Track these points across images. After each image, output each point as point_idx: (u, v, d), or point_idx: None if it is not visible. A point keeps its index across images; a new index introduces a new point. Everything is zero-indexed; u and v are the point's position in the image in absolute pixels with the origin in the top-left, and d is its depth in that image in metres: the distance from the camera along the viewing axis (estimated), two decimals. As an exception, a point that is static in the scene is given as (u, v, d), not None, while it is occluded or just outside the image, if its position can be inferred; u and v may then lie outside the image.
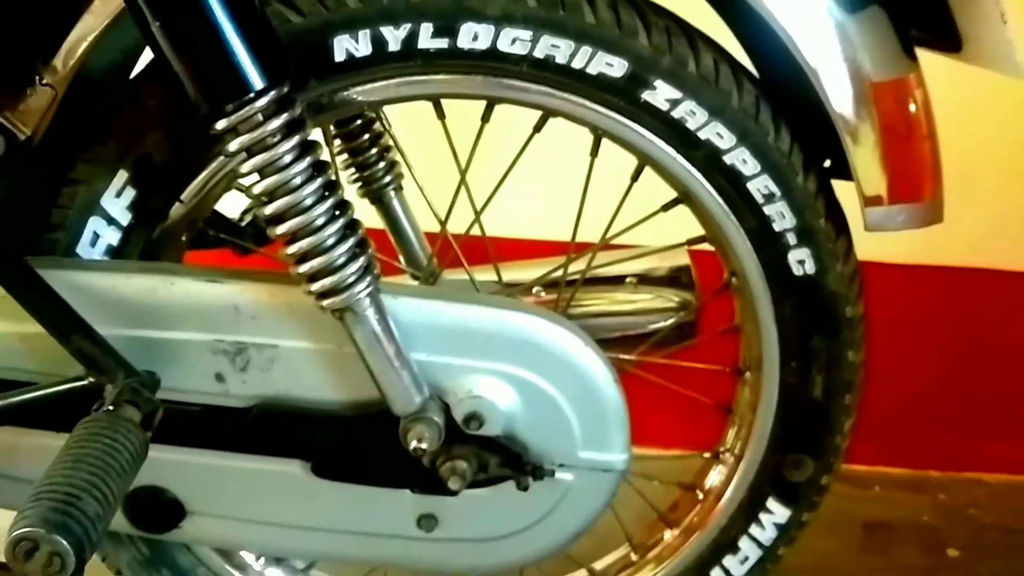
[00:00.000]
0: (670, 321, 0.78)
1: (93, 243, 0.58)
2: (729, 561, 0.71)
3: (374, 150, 0.71)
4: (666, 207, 0.64)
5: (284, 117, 0.47)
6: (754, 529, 0.70)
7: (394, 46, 0.54)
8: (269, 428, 0.57)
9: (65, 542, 0.42)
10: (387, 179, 0.72)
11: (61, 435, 0.54)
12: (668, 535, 0.74)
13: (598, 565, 0.77)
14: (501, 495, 0.60)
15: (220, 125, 0.47)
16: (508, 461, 0.58)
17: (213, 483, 0.59)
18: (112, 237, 0.58)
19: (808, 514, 0.70)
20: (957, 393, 1.25)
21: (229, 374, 0.56)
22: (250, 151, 0.48)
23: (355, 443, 0.58)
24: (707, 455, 0.72)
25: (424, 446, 0.55)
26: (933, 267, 1.19)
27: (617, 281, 0.81)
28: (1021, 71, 0.51)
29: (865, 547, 1.10)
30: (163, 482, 0.58)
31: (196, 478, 0.59)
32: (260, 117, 0.47)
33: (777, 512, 0.69)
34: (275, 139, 0.47)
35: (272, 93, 0.47)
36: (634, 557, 0.76)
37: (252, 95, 0.46)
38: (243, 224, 0.72)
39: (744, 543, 0.70)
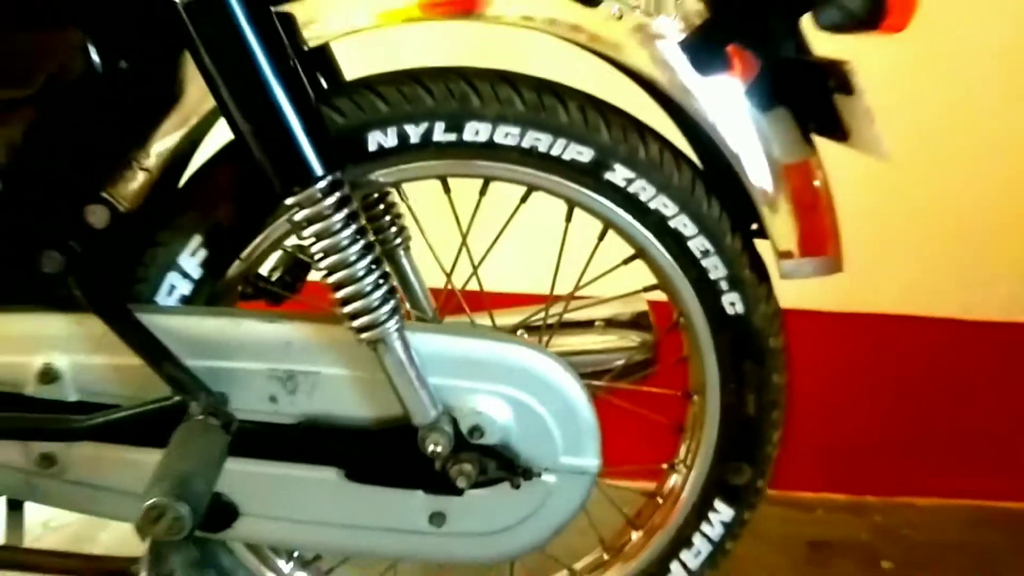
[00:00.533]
0: (633, 357, 0.94)
1: (169, 293, 0.72)
2: (685, 555, 0.85)
3: (388, 217, 0.86)
4: (626, 261, 0.80)
5: (336, 196, 0.63)
6: (705, 527, 0.84)
7: (415, 139, 0.70)
8: (311, 441, 0.71)
9: (183, 510, 0.55)
10: (398, 240, 0.88)
11: (145, 450, 0.68)
12: (635, 536, 0.88)
13: (577, 565, 0.91)
14: (498, 495, 0.74)
15: (289, 201, 0.62)
16: (504, 465, 0.72)
17: (263, 488, 0.72)
18: (185, 288, 0.72)
19: (748, 513, 0.84)
20: (891, 428, 1.41)
21: (280, 396, 0.70)
22: (310, 221, 0.63)
23: (381, 452, 0.72)
24: (665, 466, 0.87)
25: (439, 450, 0.69)
26: (868, 315, 1.36)
27: (588, 325, 0.96)
28: (887, 156, 0.68)
29: (809, 562, 1.24)
30: (221, 487, 0.72)
31: (249, 483, 0.72)
32: (319, 195, 0.62)
33: (723, 512, 0.83)
34: (329, 212, 0.63)
35: (329, 178, 0.62)
36: (606, 557, 0.89)
37: (314, 179, 0.62)
38: (273, 279, 0.87)
39: (697, 539, 0.84)
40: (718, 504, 0.83)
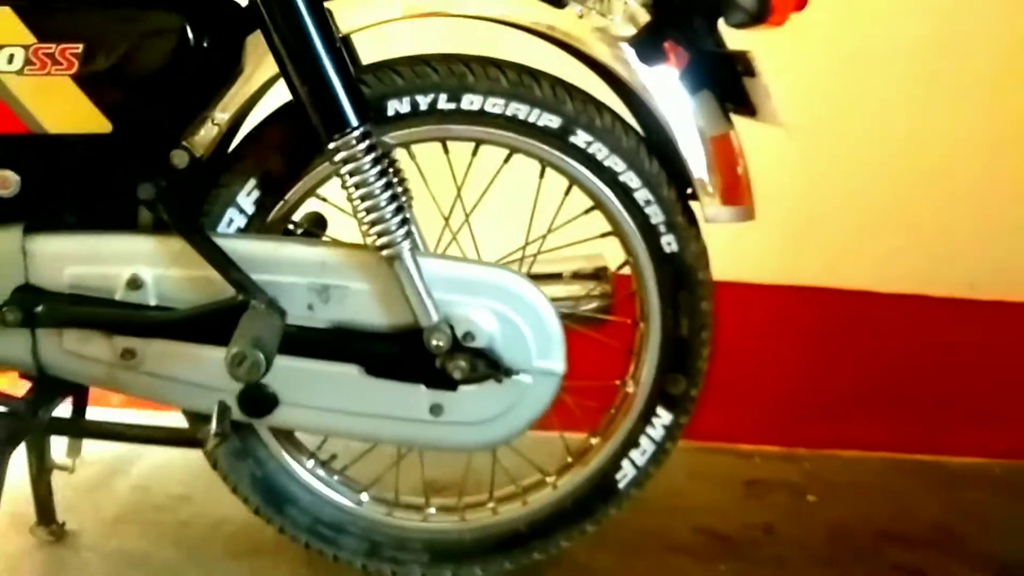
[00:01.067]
0: (593, 303, 1.15)
1: (228, 225, 0.92)
2: (634, 454, 1.05)
3: (396, 178, 1.06)
4: (587, 211, 1.01)
5: (367, 142, 0.83)
6: (649, 430, 1.04)
7: (423, 107, 0.91)
8: (339, 342, 0.90)
9: (259, 356, 0.75)
10: (404, 197, 1.07)
11: (208, 347, 0.87)
12: (594, 441, 1.08)
13: (549, 468, 1.10)
14: (484, 390, 0.93)
15: (332, 145, 0.83)
16: (490, 364, 0.92)
17: (299, 381, 0.91)
18: (241, 222, 0.92)
19: (684, 417, 1.04)
20: (819, 389, 1.62)
21: (316, 305, 0.89)
22: (346, 161, 0.83)
23: (394, 352, 0.91)
24: (618, 382, 1.07)
25: (440, 344, 0.88)
26: (799, 287, 1.57)
27: (557, 276, 1.17)
28: (784, 125, 0.90)
29: (746, 495, 1.44)
30: (266, 380, 0.90)
31: (288, 377, 0.90)
32: (354, 141, 0.83)
33: (664, 416, 1.04)
34: (361, 154, 0.83)
35: (362, 128, 0.83)
36: (570, 460, 1.09)
37: (352, 128, 0.82)
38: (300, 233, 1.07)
39: (643, 440, 1.04)
40: (660, 411, 1.03)
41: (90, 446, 1.29)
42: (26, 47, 0.82)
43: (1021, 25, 1.51)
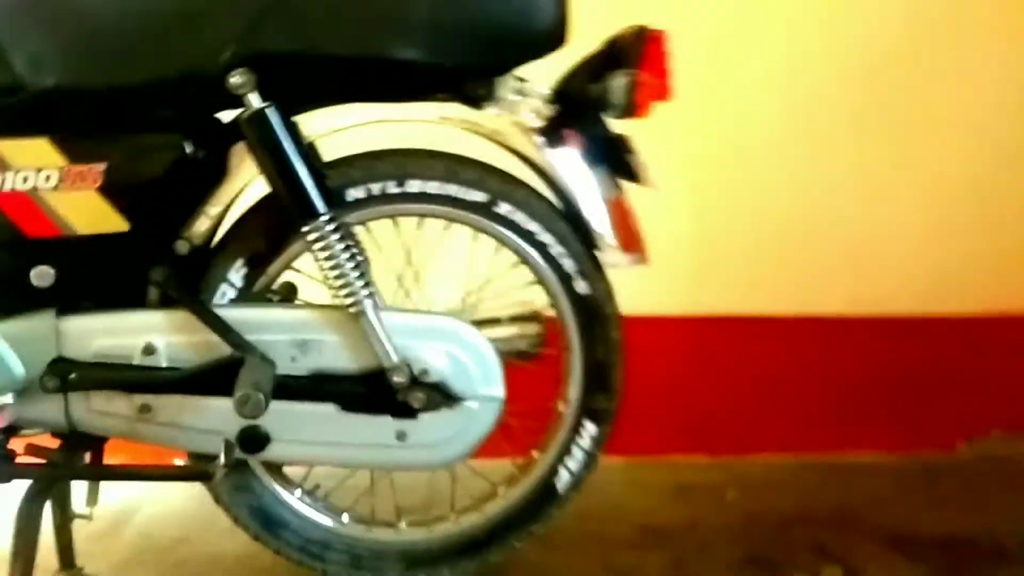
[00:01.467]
0: (529, 341, 1.37)
1: (222, 297, 1.13)
2: (569, 462, 1.26)
3: (353, 242, 1.28)
4: (514, 265, 1.23)
5: (334, 225, 1.05)
6: (579, 440, 1.26)
7: (376, 192, 1.14)
8: (318, 385, 1.11)
9: (261, 397, 0.95)
10: (361, 258, 1.29)
11: (213, 398, 1.07)
12: (536, 454, 1.29)
13: (497, 479, 1.31)
14: (439, 417, 1.14)
15: (305, 229, 1.05)
16: (442, 395, 1.13)
17: (286, 420, 1.11)
18: (231, 294, 1.13)
19: (607, 428, 1.26)
20: (731, 403, 1.86)
21: (298, 356, 1.10)
22: (318, 240, 1.05)
23: (363, 391, 1.12)
24: (553, 404, 1.29)
25: (401, 380, 1.10)
26: (704, 317, 1.83)
27: (496, 321, 1.39)
28: (655, 186, 1.15)
29: (675, 497, 1.67)
30: (259, 421, 1.10)
31: (277, 418, 1.10)
32: (323, 224, 1.05)
33: (590, 429, 1.25)
34: (329, 234, 1.05)
35: (329, 214, 1.05)
36: (516, 471, 1.30)
37: (321, 215, 1.04)
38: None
39: (575, 450, 1.26)
40: (587, 424, 1.25)
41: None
42: (60, 168, 1.03)
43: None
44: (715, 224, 1.79)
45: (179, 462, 1.24)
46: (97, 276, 1.08)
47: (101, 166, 1.03)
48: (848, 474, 1.76)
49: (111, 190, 1.04)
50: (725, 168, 1.78)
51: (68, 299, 1.07)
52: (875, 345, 1.83)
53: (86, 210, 1.04)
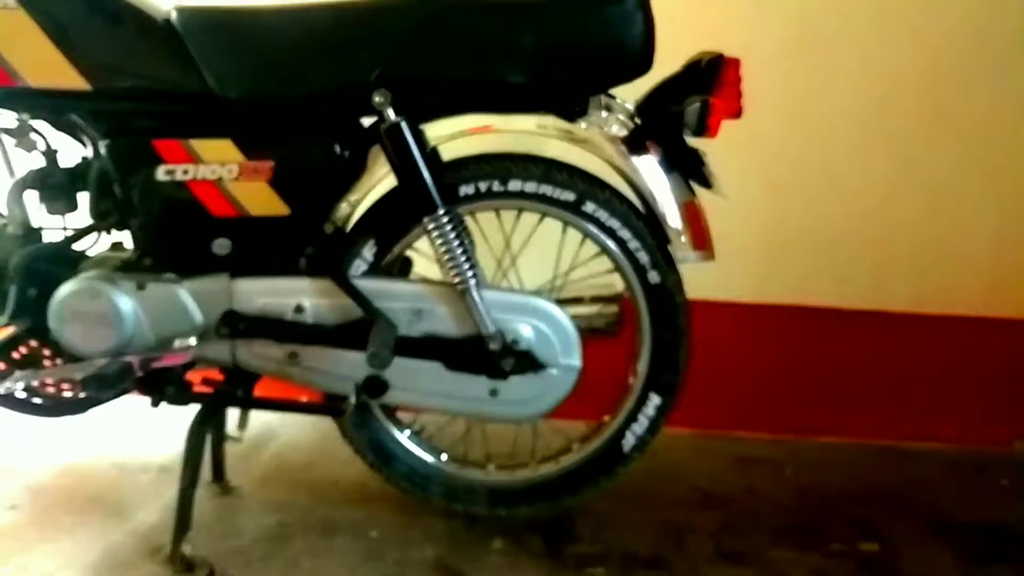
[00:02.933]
0: (607, 320, 1.58)
1: (357, 270, 1.39)
2: (634, 427, 1.47)
3: (463, 230, 1.51)
4: (595, 256, 1.44)
5: (449, 217, 1.29)
6: (645, 409, 1.46)
7: (483, 189, 1.37)
8: (429, 346, 1.35)
9: (387, 352, 1.22)
10: (468, 243, 1.53)
11: (346, 351, 1.33)
12: (606, 418, 1.51)
13: (572, 437, 1.53)
14: (526, 379, 1.37)
15: (426, 220, 1.29)
16: (530, 360, 1.36)
17: (403, 372, 1.36)
18: (363, 267, 1.39)
19: (670, 400, 1.46)
20: (798, 389, 2.01)
21: (414, 321, 1.35)
22: (436, 230, 1.29)
23: (465, 352, 1.36)
24: (624, 375, 1.50)
25: (496, 347, 1.33)
26: (772, 305, 1.99)
27: (579, 300, 1.60)
28: (725, 193, 1.33)
29: (735, 467, 1.85)
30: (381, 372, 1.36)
31: (396, 370, 1.35)
32: (442, 217, 1.28)
33: (655, 400, 1.46)
34: (445, 226, 1.29)
35: (445, 208, 1.29)
36: (588, 432, 1.52)
37: (440, 209, 1.28)
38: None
39: (641, 417, 1.47)
40: (652, 395, 1.46)
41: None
42: (239, 164, 1.30)
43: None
44: (788, 221, 1.94)
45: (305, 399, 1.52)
46: (263, 248, 1.35)
47: (271, 162, 1.30)
48: (901, 460, 1.89)
49: (277, 182, 1.31)
50: (800, 167, 1.92)
51: (240, 265, 1.36)
52: (937, 342, 1.94)
53: (257, 197, 1.31)
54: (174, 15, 1.27)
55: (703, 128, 1.26)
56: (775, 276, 1.97)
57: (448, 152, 1.41)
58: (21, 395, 1.40)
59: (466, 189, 1.38)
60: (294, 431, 1.92)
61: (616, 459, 1.48)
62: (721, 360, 1.91)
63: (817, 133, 1.89)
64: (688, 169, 1.36)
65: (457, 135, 1.34)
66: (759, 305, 1.99)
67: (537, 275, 1.52)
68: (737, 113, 1.29)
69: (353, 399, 1.32)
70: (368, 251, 1.39)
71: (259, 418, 1.93)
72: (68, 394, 1.41)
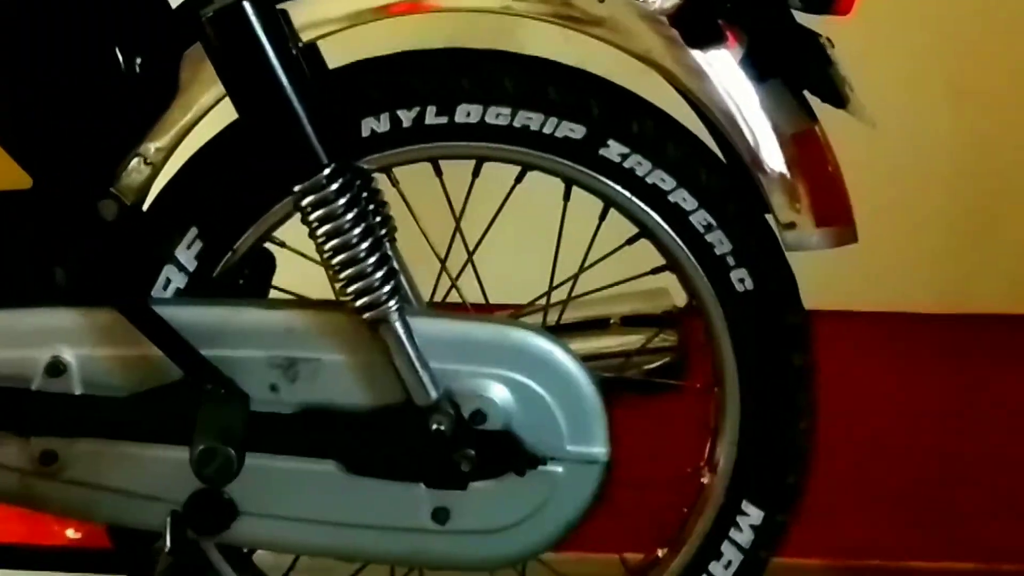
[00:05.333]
0: (656, 360, 1.61)
1: (165, 286, 1.41)
2: (715, 568, 1.50)
3: (372, 205, 1.53)
4: (630, 241, 1.47)
5: (339, 182, 1.31)
6: (734, 533, 1.48)
7: (407, 123, 1.39)
8: (312, 431, 1.37)
9: (231, 453, 1.24)
10: (383, 231, 1.54)
11: (149, 445, 1.35)
12: (661, 553, 1.54)
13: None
14: (502, 487, 1.39)
15: (297, 188, 1.30)
16: (507, 452, 1.38)
17: (262, 483, 1.37)
18: (180, 282, 1.41)
19: (783, 516, 1.48)
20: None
21: (282, 385, 1.36)
22: (315, 206, 1.31)
23: (382, 442, 1.38)
24: (693, 471, 1.53)
25: (443, 428, 1.35)
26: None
27: (602, 324, 1.63)
28: (874, 123, 1.36)
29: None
30: (220, 484, 1.38)
31: (249, 479, 1.37)
32: (324, 182, 1.30)
33: (752, 515, 1.48)
34: (333, 197, 1.31)
35: (333, 166, 1.30)
36: (630, 580, 1.55)
37: (320, 167, 1.30)
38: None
39: (727, 548, 1.49)
40: (747, 506, 1.48)
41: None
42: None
43: None
44: (991, 189, 1.99)
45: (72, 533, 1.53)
46: (-20, 255, 1.36)
47: (-12, 88, 1.31)
48: None
49: (3, 125, 1.32)
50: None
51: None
52: None
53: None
54: None
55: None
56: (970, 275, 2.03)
57: (338, 52, 1.43)
58: None
59: (375, 124, 1.39)
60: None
61: (684, 631, 1.52)
62: (883, 424, 1.96)
63: None
64: (800, 71, 1.39)
65: (356, 19, 1.36)
66: (948, 316, 2.04)
67: (518, 282, 1.54)
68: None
69: (168, 541, 1.33)
70: (186, 251, 1.41)
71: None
72: None
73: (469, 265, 1.53)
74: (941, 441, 2.09)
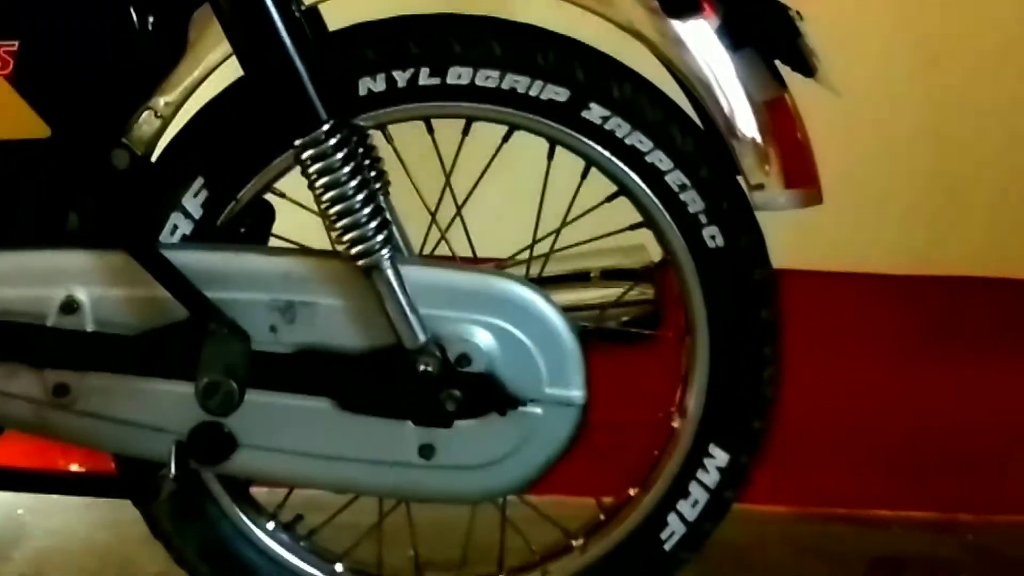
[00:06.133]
0: (634, 312, 1.70)
1: (172, 232, 1.50)
2: (682, 506, 1.59)
3: (368, 160, 1.62)
4: (609, 198, 1.56)
5: (337, 137, 1.39)
6: (701, 474, 1.57)
7: (401, 84, 1.47)
8: (308, 370, 1.46)
9: (234, 385, 1.33)
10: (378, 185, 1.63)
11: (156, 380, 1.44)
12: (632, 492, 1.63)
13: (574, 527, 1.65)
14: (485, 426, 1.48)
15: (297, 142, 1.39)
16: (490, 393, 1.47)
17: (261, 418, 1.47)
18: (186, 228, 1.50)
19: (746, 457, 1.57)
20: (983, 431, 2.17)
21: (280, 326, 1.45)
22: (314, 159, 1.40)
23: (373, 381, 1.47)
24: (665, 415, 1.62)
25: (430, 369, 1.44)
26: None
27: (582, 277, 1.72)
28: (838, 91, 1.45)
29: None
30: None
31: (248, 414, 1.46)
32: (323, 137, 1.39)
33: (719, 457, 1.56)
34: (331, 151, 1.39)
35: (332, 122, 1.39)
36: (602, 517, 1.65)
37: (320, 122, 1.39)
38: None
39: (694, 488, 1.57)
40: (714, 449, 1.57)
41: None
42: (-45, 47, 1.40)
43: None
44: (959, 150, 2.08)
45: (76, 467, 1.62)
46: (2, 200, 1.46)
47: (12, 44, 1.40)
48: None
49: (25, 77, 1.40)
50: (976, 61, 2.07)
51: (-42, 231, 1.46)
52: None
53: (-11, 106, 1.41)
54: None
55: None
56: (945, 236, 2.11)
57: (337, 15, 1.52)
58: None
59: (370, 84, 1.48)
60: (60, 526, 2.03)
61: (651, 563, 1.61)
62: (846, 384, 2.05)
63: None
64: (771, 42, 1.48)
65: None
66: (915, 278, 2.13)
67: (503, 235, 1.63)
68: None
69: (173, 468, 1.43)
70: (193, 199, 1.50)
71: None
72: None
73: (458, 219, 1.63)
74: (906, 395, 2.18)
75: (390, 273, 1.44)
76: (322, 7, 1.51)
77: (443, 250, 1.63)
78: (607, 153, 1.51)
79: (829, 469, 2.19)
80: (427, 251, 1.63)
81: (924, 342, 2.18)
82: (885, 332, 2.16)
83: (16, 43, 1.40)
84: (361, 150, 1.47)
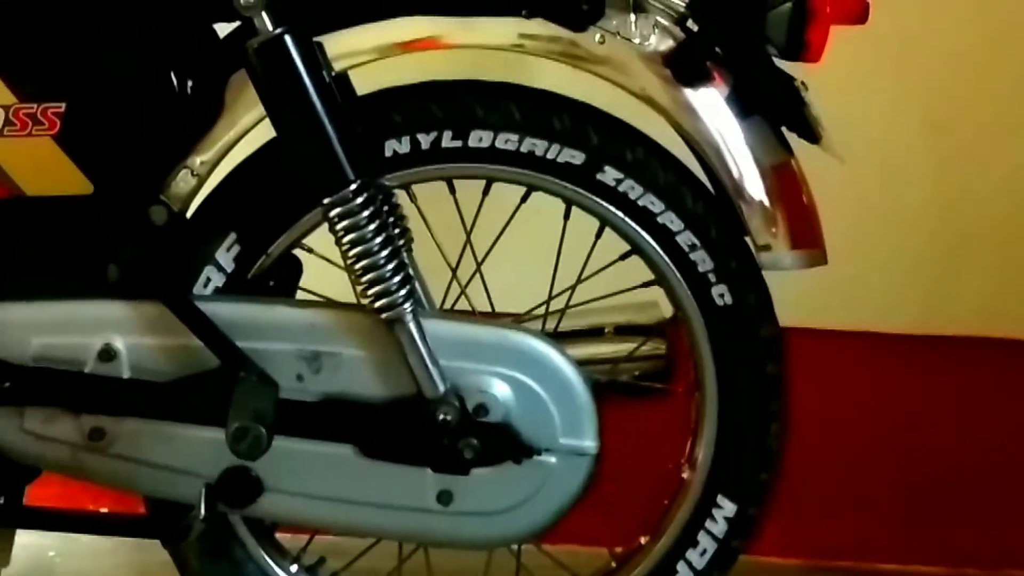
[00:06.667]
0: (645, 367, 1.75)
1: (205, 285, 1.57)
2: (691, 555, 1.64)
3: (392, 218, 1.69)
4: (622, 257, 1.62)
5: (364, 196, 1.46)
6: (709, 524, 1.63)
7: (425, 146, 1.54)
8: (332, 418, 1.52)
9: (263, 430, 1.39)
10: (401, 241, 1.69)
11: (186, 426, 1.51)
12: (643, 540, 1.68)
13: (584, 573, 1.71)
14: (501, 474, 1.54)
15: (326, 201, 1.46)
16: (506, 442, 1.53)
17: (286, 463, 1.53)
18: (219, 281, 1.57)
19: (754, 508, 1.62)
20: (992, 477, 2.21)
21: (306, 375, 1.52)
22: (342, 217, 1.47)
23: (393, 429, 1.53)
24: (674, 466, 1.67)
25: (449, 419, 1.50)
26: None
27: (596, 333, 1.77)
28: (843, 158, 1.51)
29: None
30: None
31: (274, 459, 1.52)
32: (351, 196, 1.46)
33: (726, 507, 1.62)
34: (358, 210, 1.46)
35: (359, 182, 1.46)
36: (613, 565, 1.70)
37: (347, 183, 1.46)
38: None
39: (702, 538, 1.63)
40: (722, 500, 1.62)
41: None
42: (6, 108, 1.46)
43: None
44: (963, 214, 2.14)
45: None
46: (45, 252, 1.53)
47: (60, 106, 1.47)
48: None
49: (71, 137, 1.48)
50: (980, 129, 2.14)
51: (5, 282, 1.53)
52: None
53: (37, 163, 1.48)
54: None
55: (798, 45, 1.44)
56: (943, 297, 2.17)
57: (366, 81, 1.59)
58: None
59: (396, 146, 1.56)
60: (89, 568, 2.09)
61: (662, 612, 1.66)
62: (854, 432, 2.10)
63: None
64: (778, 110, 1.54)
65: (383, 53, 1.52)
66: (919, 337, 2.18)
67: (521, 291, 1.70)
68: (858, 15, 1.47)
69: (203, 511, 1.49)
70: (226, 253, 1.57)
71: (30, 544, 2.09)
72: None
73: (477, 275, 1.70)
74: (911, 451, 2.23)
75: (412, 326, 1.50)
76: (351, 73, 1.57)
77: (463, 305, 1.70)
78: (621, 214, 1.58)
79: (838, 523, 2.23)
80: (447, 305, 1.70)
81: (929, 399, 2.23)
82: (891, 389, 2.21)
83: (63, 105, 1.48)
84: (386, 208, 1.53)
